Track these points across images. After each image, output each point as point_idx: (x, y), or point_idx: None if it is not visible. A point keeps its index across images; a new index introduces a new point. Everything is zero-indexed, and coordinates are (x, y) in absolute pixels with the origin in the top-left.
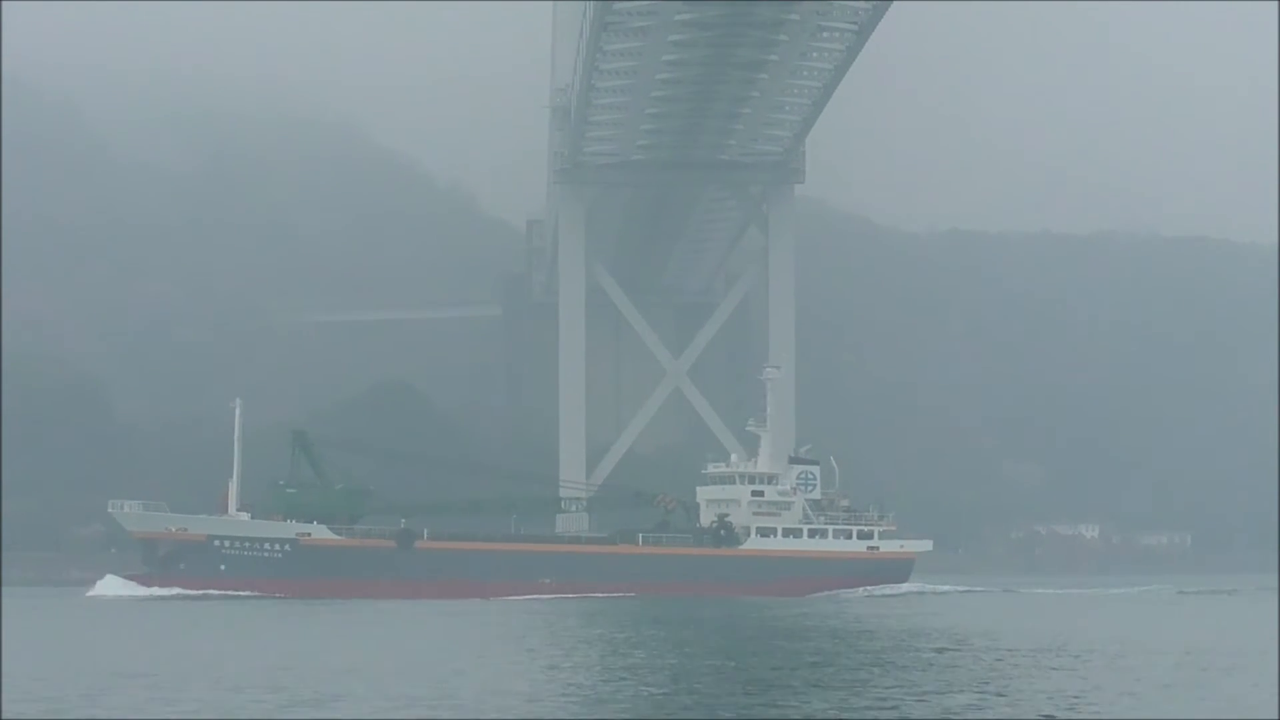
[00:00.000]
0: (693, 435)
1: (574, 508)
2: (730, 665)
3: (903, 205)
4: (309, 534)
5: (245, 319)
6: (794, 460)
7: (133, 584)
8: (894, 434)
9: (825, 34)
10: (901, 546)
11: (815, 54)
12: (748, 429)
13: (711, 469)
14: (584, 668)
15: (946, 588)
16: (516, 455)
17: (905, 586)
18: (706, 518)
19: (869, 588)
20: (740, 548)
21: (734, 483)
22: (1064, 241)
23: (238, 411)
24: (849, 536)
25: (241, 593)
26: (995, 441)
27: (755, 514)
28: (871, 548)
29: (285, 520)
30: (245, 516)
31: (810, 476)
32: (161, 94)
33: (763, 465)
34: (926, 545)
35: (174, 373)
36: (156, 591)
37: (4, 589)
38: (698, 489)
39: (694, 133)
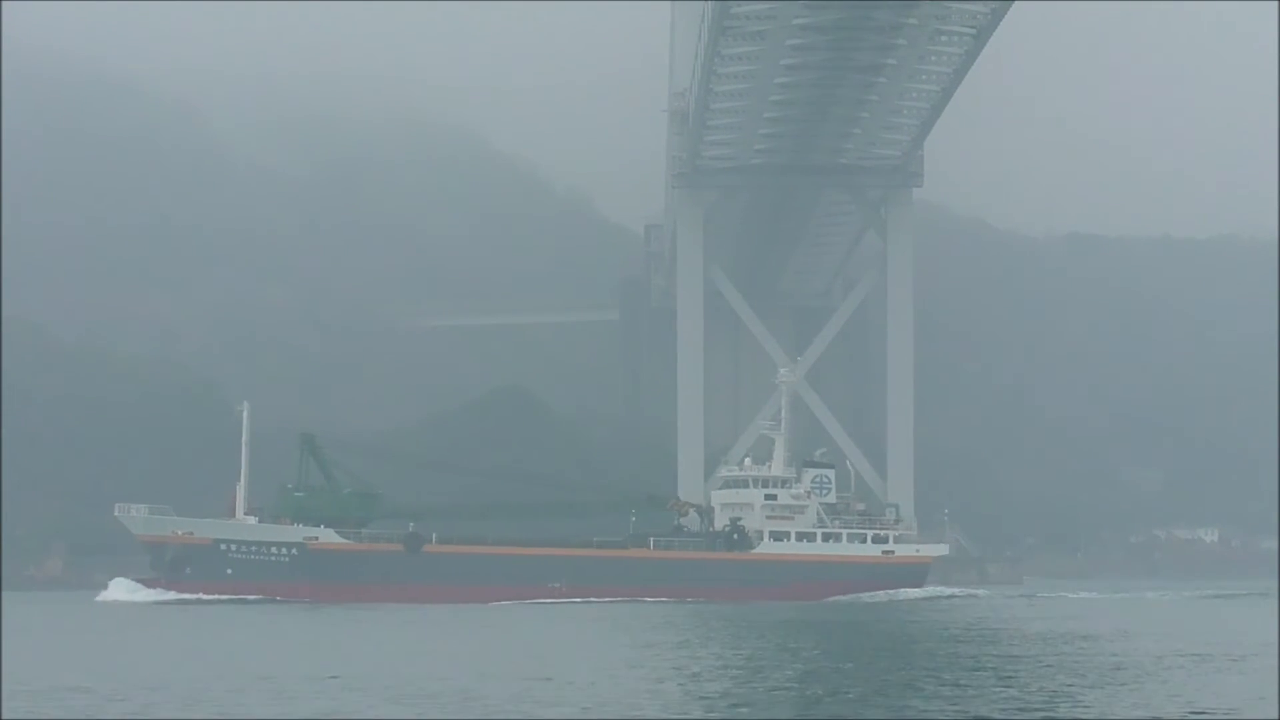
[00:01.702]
0: (811, 439)
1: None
2: (874, 668)
3: (1021, 209)
4: (316, 538)
5: (363, 323)
6: (808, 464)
7: (141, 587)
8: (1013, 438)
9: (943, 38)
10: (917, 550)
11: (933, 58)
12: (763, 432)
13: (725, 472)
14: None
15: (957, 591)
16: (634, 458)
17: (921, 591)
18: (720, 521)
19: (889, 591)
20: (753, 552)
21: (747, 486)
22: (1184, 245)
23: (245, 415)
24: (863, 540)
25: (248, 597)
26: (1115, 445)
27: (769, 518)
28: (886, 551)
29: (293, 524)
30: (252, 520)
31: (825, 480)
32: (280, 98)
33: (777, 469)
34: (943, 549)
35: (293, 376)
36: (162, 595)
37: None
38: (712, 493)
39: (812, 136)
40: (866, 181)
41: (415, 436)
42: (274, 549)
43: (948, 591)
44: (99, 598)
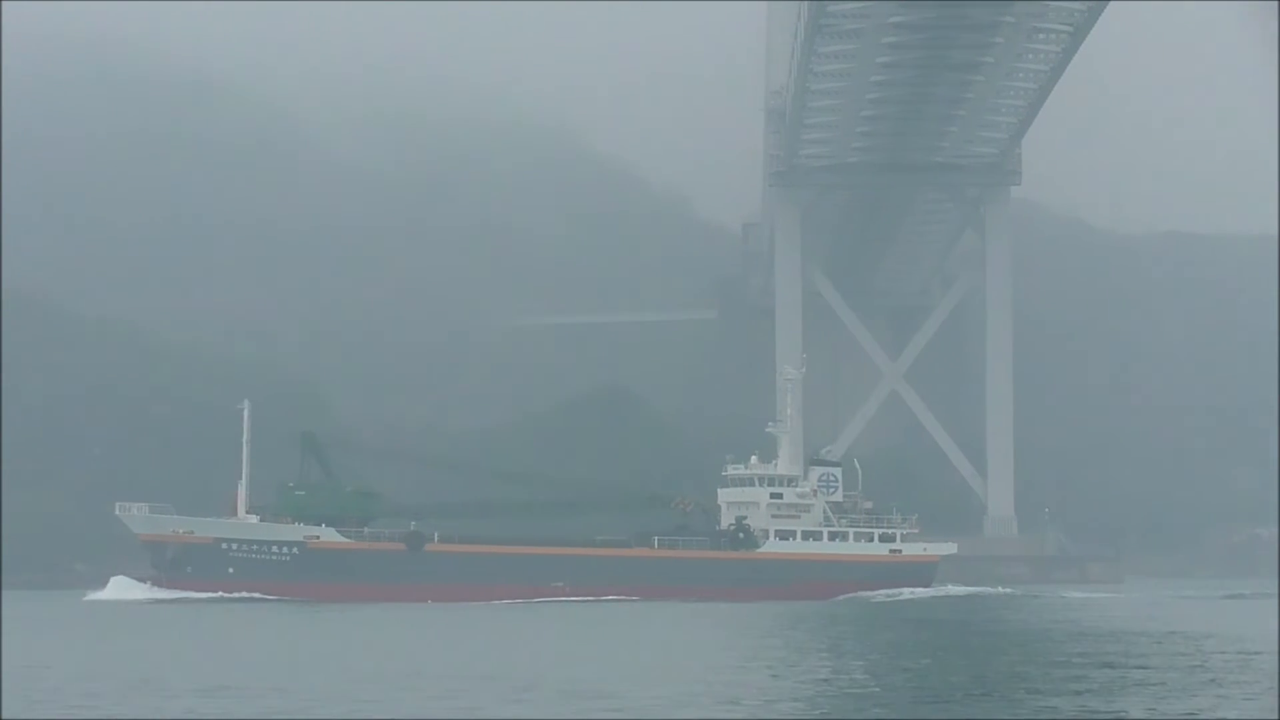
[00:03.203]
0: (911, 438)
1: None
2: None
3: (1119, 207)
4: (317, 537)
5: (460, 322)
6: (814, 462)
7: (142, 586)
8: (1114, 436)
9: (1040, 35)
10: (925, 549)
11: (1030, 55)
12: (766, 430)
13: (731, 471)
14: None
15: (965, 589)
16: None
17: (929, 590)
18: (726, 520)
19: (896, 590)
20: (758, 551)
21: (753, 485)
22: None
23: (245, 414)
24: (870, 539)
25: (249, 596)
26: (1215, 444)
27: (774, 516)
28: (894, 550)
29: (294, 523)
30: (254, 519)
31: (831, 478)
32: (375, 97)
33: (782, 467)
34: (951, 548)
35: (391, 375)
36: (163, 594)
37: None
38: (718, 491)
39: (909, 135)
40: (964, 180)
41: (511, 435)
42: (275, 548)
43: (962, 590)
44: (90, 596)
